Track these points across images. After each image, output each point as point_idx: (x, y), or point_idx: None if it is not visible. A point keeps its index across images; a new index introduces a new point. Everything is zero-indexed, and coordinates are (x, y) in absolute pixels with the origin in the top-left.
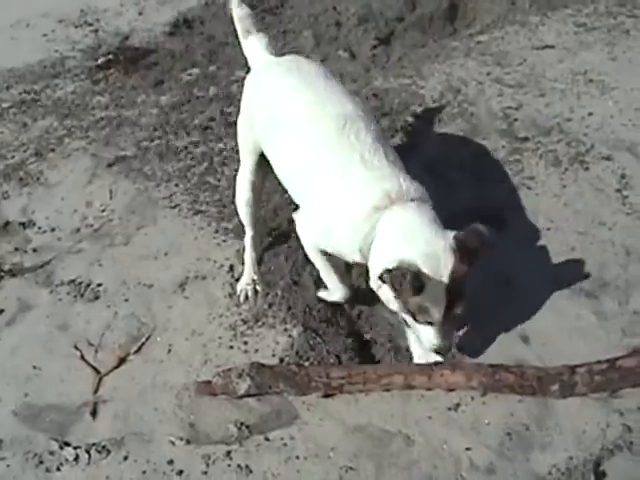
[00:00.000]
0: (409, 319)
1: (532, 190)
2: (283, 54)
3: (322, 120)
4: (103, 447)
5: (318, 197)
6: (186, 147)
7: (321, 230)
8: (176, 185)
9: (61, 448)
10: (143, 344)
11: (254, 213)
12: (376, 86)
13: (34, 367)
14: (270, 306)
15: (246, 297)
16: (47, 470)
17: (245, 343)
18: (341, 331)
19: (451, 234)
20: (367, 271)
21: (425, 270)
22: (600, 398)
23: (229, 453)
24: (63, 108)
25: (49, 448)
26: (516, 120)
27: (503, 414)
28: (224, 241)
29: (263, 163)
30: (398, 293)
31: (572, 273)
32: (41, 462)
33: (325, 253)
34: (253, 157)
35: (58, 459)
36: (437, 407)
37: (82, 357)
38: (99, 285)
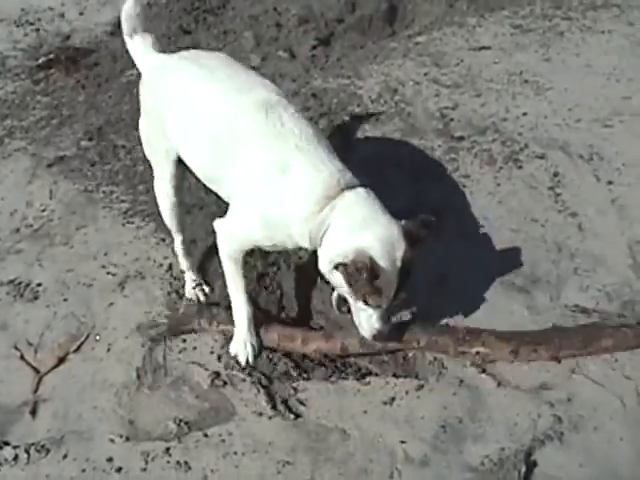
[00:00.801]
0: (358, 303)
1: (467, 188)
2: (172, 51)
3: (242, 112)
4: (42, 446)
5: (254, 193)
6: (125, 146)
7: (262, 224)
8: (116, 185)
9: (0, 448)
10: (82, 343)
11: (180, 217)
12: (315, 86)
13: None
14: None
15: (198, 300)
16: None
17: (184, 341)
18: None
19: (400, 222)
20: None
21: (381, 255)
22: (531, 390)
23: (168, 450)
24: (3, 108)
25: None
26: (452, 120)
27: (437, 407)
28: (163, 240)
29: (179, 167)
30: (353, 284)
31: (505, 269)
32: None
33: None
34: (169, 164)
35: None
36: (372, 401)
37: (22, 357)
38: (39, 285)
